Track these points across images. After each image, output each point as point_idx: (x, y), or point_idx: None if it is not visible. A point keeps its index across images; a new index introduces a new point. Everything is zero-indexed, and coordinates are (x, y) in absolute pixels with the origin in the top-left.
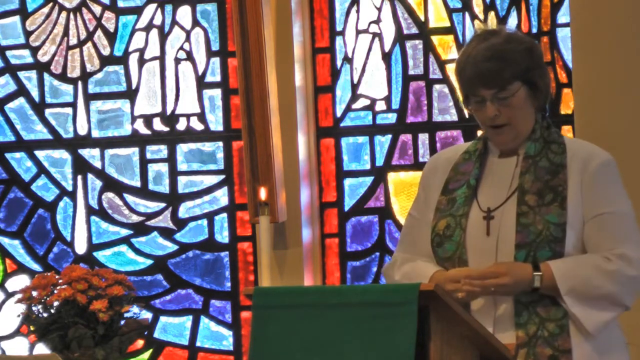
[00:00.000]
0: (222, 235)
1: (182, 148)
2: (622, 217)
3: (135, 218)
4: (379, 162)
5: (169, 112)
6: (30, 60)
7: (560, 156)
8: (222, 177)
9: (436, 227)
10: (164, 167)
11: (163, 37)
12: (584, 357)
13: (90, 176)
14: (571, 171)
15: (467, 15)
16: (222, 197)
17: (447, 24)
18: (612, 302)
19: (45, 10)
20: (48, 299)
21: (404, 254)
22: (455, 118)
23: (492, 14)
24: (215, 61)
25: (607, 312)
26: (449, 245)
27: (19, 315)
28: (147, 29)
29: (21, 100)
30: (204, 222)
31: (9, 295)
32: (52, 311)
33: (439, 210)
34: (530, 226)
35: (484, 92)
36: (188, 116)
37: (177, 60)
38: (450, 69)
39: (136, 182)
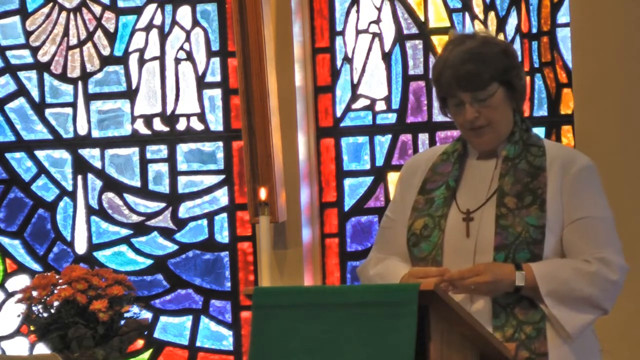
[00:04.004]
0: (222, 235)
1: (182, 148)
2: (602, 222)
3: (135, 218)
4: (379, 162)
5: (169, 112)
6: (30, 60)
7: (539, 159)
8: (222, 177)
9: (412, 226)
10: (164, 167)
11: (163, 37)
12: None
13: (90, 176)
14: (551, 174)
15: (467, 15)
16: (222, 197)
17: (447, 24)
18: (592, 304)
19: (45, 10)
20: (48, 299)
21: (378, 254)
22: None
23: (492, 14)
24: (215, 61)
25: (587, 314)
26: (426, 246)
27: (19, 315)
28: (147, 29)
29: (21, 100)
30: (204, 222)
31: (9, 295)
32: (52, 311)
33: (416, 210)
34: (509, 228)
35: (463, 95)
36: (188, 116)
37: (177, 60)
38: None
39: (136, 182)
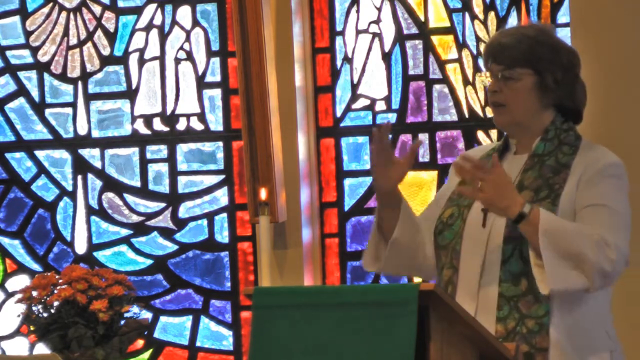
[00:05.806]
0: (222, 235)
1: (182, 148)
2: (613, 212)
3: (135, 218)
4: None
5: (169, 112)
6: (30, 60)
7: (567, 157)
8: (222, 177)
9: (442, 215)
10: (164, 167)
11: (163, 37)
12: (560, 357)
13: (90, 176)
14: (573, 172)
15: (467, 15)
16: (222, 197)
17: (447, 24)
18: (581, 267)
19: (45, 10)
20: (48, 299)
21: None
22: (455, 118)
23: (492, 14)
24: (215, 61)
25: (572, 273)
26: (448, 234)
27: (19, 315)
28: (147, 29)
29: (21, 100)
30: (204, 222)
31: (9, 295)
32: (52, 311)
33: (450, 200)
34: None
35: (493, 66)
36: (188, 116)
37: (177, 60)
38: (450, 69)
39: (136, 182)
